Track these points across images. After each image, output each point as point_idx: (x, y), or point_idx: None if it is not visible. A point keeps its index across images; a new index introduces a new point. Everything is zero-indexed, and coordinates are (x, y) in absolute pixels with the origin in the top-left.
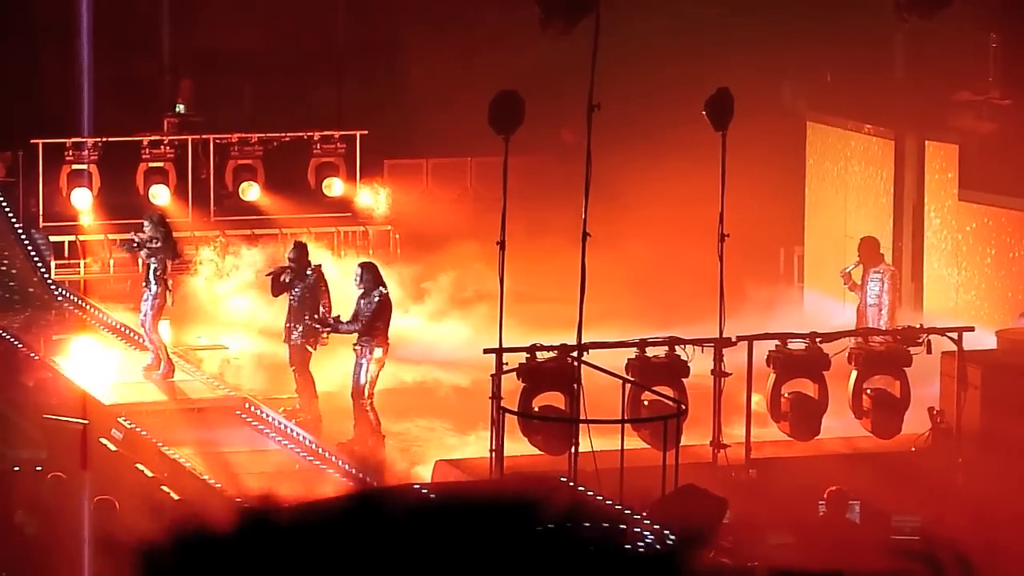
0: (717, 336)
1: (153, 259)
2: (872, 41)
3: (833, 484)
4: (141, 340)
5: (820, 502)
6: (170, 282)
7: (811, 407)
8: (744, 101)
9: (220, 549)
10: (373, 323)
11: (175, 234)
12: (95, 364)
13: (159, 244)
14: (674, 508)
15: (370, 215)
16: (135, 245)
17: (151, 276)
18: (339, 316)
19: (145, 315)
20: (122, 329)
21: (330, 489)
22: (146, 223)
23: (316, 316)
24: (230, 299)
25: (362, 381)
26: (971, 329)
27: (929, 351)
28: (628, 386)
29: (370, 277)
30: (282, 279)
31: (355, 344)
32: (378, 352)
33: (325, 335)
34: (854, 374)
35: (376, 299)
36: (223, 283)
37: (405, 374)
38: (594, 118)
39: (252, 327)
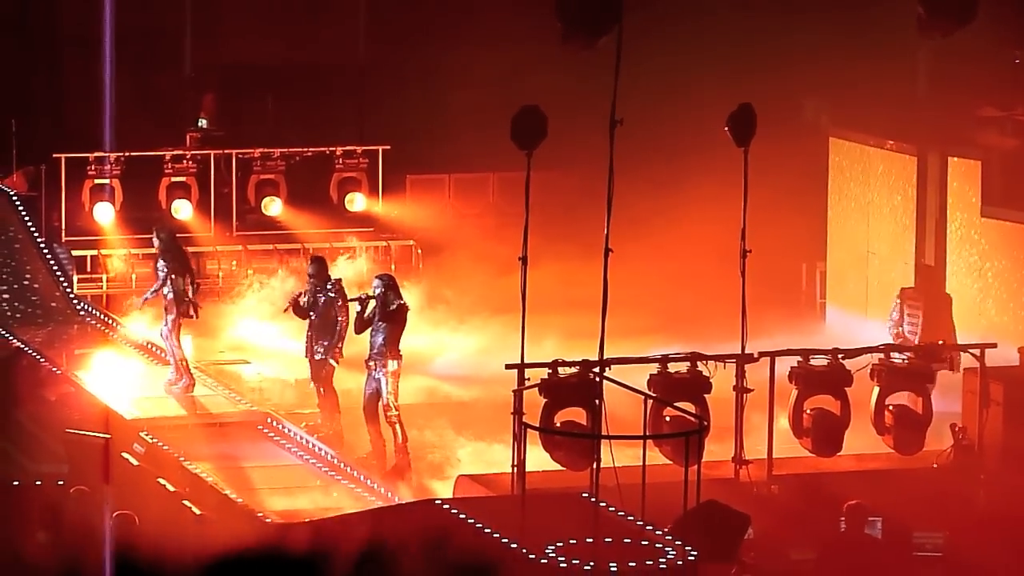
0: (739, 352)
1: (167, 272)
2: (895, 57)
3: (854, 500)
4: (163, 355)
5: (842, 518)
6: (190, 295)
7: (833, 423)
8: (766, 117)
9: None
10: (391, 334)
11: (196, 249)
12: (117, 379)
13: (172, 259)
14: (696, 524)
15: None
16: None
17: (168, 290)
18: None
19: (165, 326)
20: (144, 344)
21: (350, 505)
22: (155, 239)
23: (362, 301)
24: (251, 314)
25: (384, 396)
26: (993, 346)
27: (952, 368)
28: (650, 402)
29: (392, 286)
30: (301, 302)
31: (367, 359)
32: (392, 365)
33: (340, 349)
34: (876, 390)
35: (395, 310)
36: (245, 298)
37: (423, 388)
38: (617, 133)
39: (274, 342)
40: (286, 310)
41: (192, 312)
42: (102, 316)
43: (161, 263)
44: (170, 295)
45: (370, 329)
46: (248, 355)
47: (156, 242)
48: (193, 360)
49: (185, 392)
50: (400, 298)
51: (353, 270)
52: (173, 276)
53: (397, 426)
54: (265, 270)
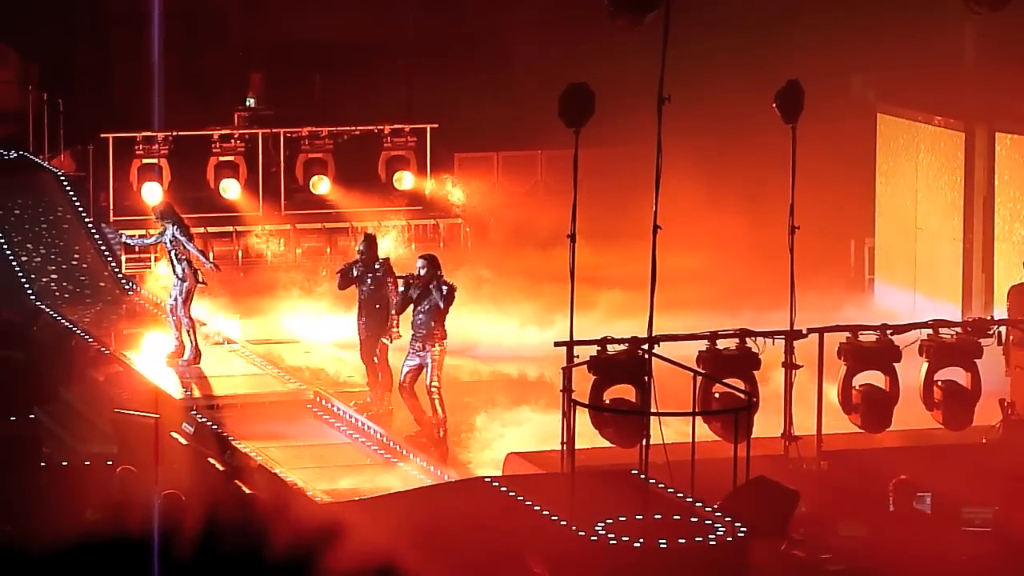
0: (788, 328)
1: (172, 247)
2: (942, 32)
3: (904, 476)
4: (214, 337)
5: (890, 494)
6: (196, 265)
7: (882, 399)
8: (814, 93)
9: None
10: (438, 314)
11: (244, 228)
12: (166, 358)
13: (180, 229)
14: (746, 501)
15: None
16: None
17: (175, 263)
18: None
19: (175, 300)
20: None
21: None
22: (156, 218)
23: (408, 281)
24: (300, 294)
25: (428, 375)
26: None
27: (1000, 342)
28: (699, 379)
29: (435, 265)
30: (352, 274)
31: (412, 338)
32: (438, 345)
33: (396, 327)
34: (925, 366)
35: (446, 291)
36: (294, 276)
37: (470, 366)
38: (664, 110)
39: (322, 322)
40: (338, 272)
41: (203, 279)
42: (151, 296)
43: (170, 232)
44: (184, 264)
45: (414, 308)
46: (296, 334)
47: (157, 218)
48: (241, 339)
49: (190, 365)
50: (442, 275)
51: (386, 247)
52: (184, 243)
53: (437, 404)
54: (313, 250)
